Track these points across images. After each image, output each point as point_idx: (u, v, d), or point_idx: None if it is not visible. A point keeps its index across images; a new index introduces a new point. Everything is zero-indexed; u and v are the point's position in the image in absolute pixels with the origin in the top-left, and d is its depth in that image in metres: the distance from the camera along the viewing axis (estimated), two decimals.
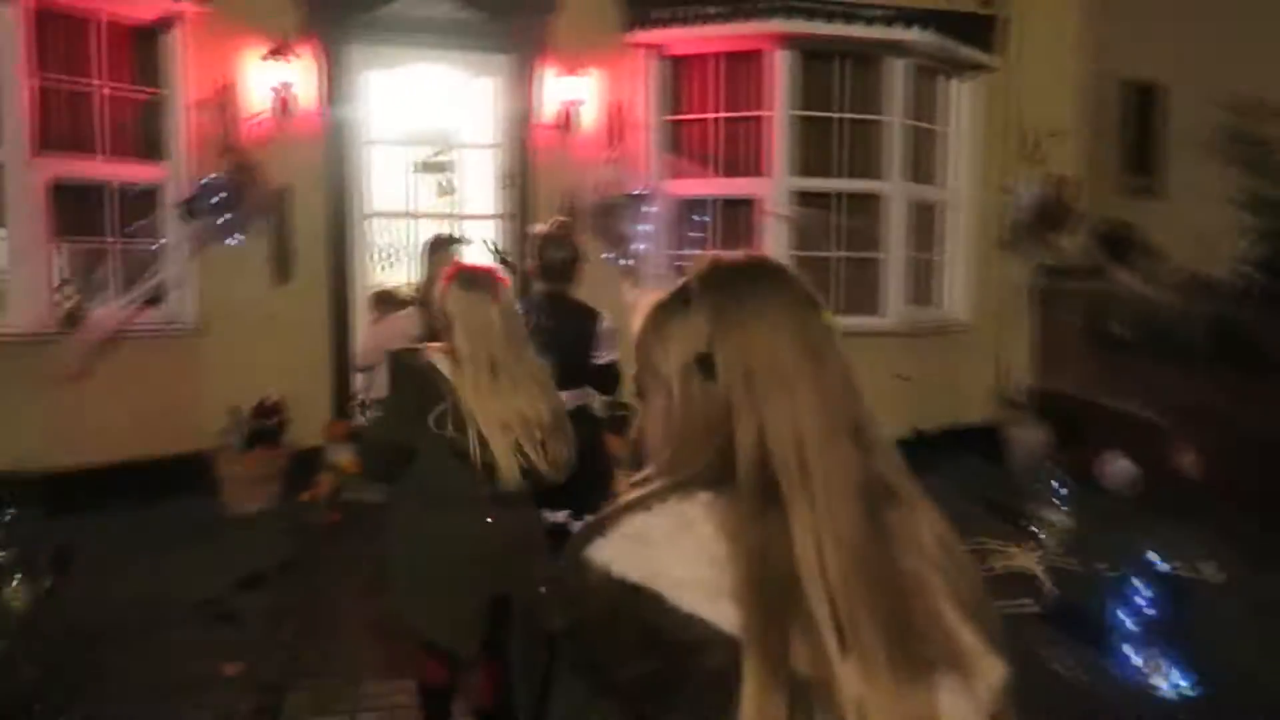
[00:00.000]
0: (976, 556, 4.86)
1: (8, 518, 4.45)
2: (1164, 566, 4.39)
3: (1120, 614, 3.91)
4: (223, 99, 5.91)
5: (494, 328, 2.64)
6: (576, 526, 2.68)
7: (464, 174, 6.80)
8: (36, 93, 5.48)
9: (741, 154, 6.66)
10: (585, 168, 6.46)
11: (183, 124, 5.95)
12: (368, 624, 4.06)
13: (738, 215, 6.70)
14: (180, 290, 6.01)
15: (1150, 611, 3.85)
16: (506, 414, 2.64)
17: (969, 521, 5.58)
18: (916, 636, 0.91)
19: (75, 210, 5.72)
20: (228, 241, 5.89)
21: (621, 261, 6.57)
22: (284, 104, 6.01)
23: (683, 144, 6.76)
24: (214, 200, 5.76)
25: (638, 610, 0.88)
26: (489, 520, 2.68)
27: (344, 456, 6.00)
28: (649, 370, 1.05)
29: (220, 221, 5.83)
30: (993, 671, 0.98)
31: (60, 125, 5.62)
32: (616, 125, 6.52)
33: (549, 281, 3.61)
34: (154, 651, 3.87)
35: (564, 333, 3.39)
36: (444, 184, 6.86)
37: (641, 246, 6.52)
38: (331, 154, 6.22)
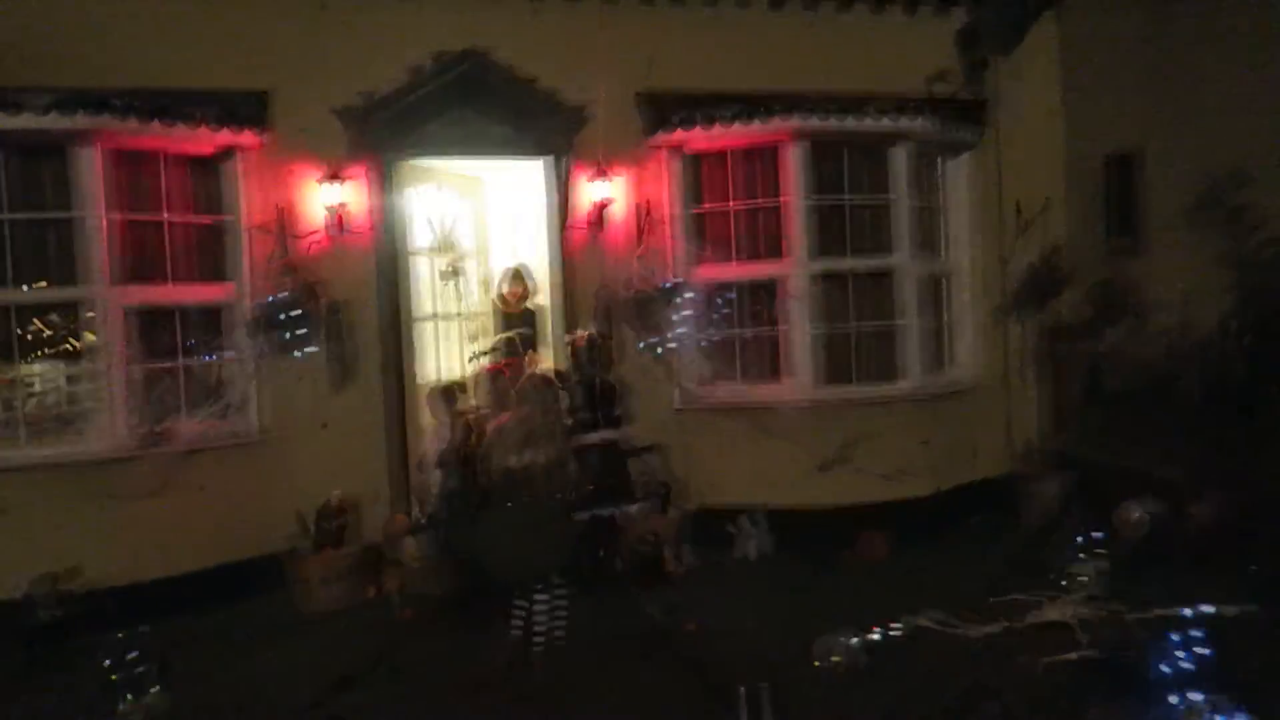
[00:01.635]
0: (1010, 610, 5.31)
1: (118, 635, 4.81)
2: (1194, 612, 4.90)
3: (1159, 662, 4.33)
4: (280, 221, 6.38)
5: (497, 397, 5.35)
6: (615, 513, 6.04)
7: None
8: (114, 227, 5.92)
9: (762, 240, 7.20)
10: (618, 263, 7.01)
11: (245, 246, 6.40)
12: None
13: (760, 297, 7.24)
14: (245, 403, 6.41)
15: (1188, 657, 4.30)
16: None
17: (997, 576, 6.00)
18: None
19: (148, 334, 6.12)
20: (294, 354, 6.33)
21: (657, 348, 7.08)
22: (338, 222, 6.50)
23: (706, 234, 7.30)
24: (278, 317, 6.20)
25: None
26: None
27: (408, 550, 6.37)
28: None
29: (284, 336, 6.26)
30: None
31: (134, 255, 6.05)
32: (644, 221, 7.06)
33: (585, 370, 6.09)
34: None
35: (594, 400, 5.99)
36: (459, 288, 7.53)
37: (675, 332, 7.04)
38: (382, 266, 6.69)
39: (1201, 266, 6.99)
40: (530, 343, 7.11)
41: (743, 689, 3.89)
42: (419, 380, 6.99)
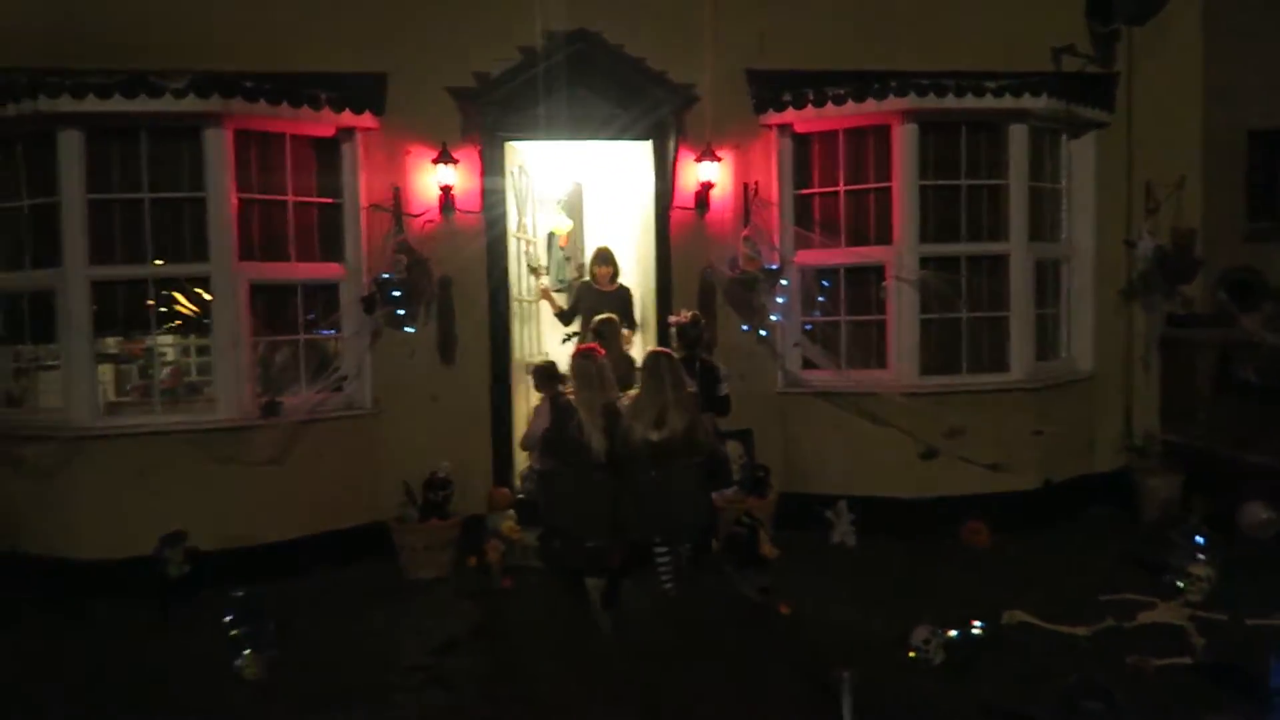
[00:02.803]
0: (1120, 609, 5.16)
1: (240, 594, 5.17)
2: None
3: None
4: (396, 200, 6.68)
5: (592, 377, 5.46)
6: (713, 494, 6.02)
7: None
8: (241, 206, 6.32)
9: (869, 224, 7.13)
10: (721, 244, 7.05)
11: (361, 225, 6.73)
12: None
13: (867, 282, 7.18)
14: (359, 376, 6.75)
15: None
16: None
17: (1107, 573, 5.86)
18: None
19: (271, 308, 6.51)
20: (406, 330, 6.63)
21: (760, 330, 7.10)
22: (450, 201, 6.75)
23: (814, 216, 7.27)
24: (392, 293, 6.49)
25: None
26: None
27: (507, 523, 6.61)
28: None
29: (397, 312, 6.56)
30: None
31: (259, 233, 6.44)
32: (751, 202, 7.07)
33: (687, 350, 6.19)
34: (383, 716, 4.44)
35: (696, 380, 5.96)
36: (537, 271, 7.85)
37: (776, 316, 7.06)
38: (491, 245, 6.91)
39: None
40: (630, 322, 7.22)
41: (845, 674, 3.95)
42: (520, 358, 7.22)
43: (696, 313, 6.48)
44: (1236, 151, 7.50)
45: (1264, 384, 6.92)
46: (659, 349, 5.78)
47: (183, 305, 6.38)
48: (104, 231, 6.13)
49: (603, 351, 5.76)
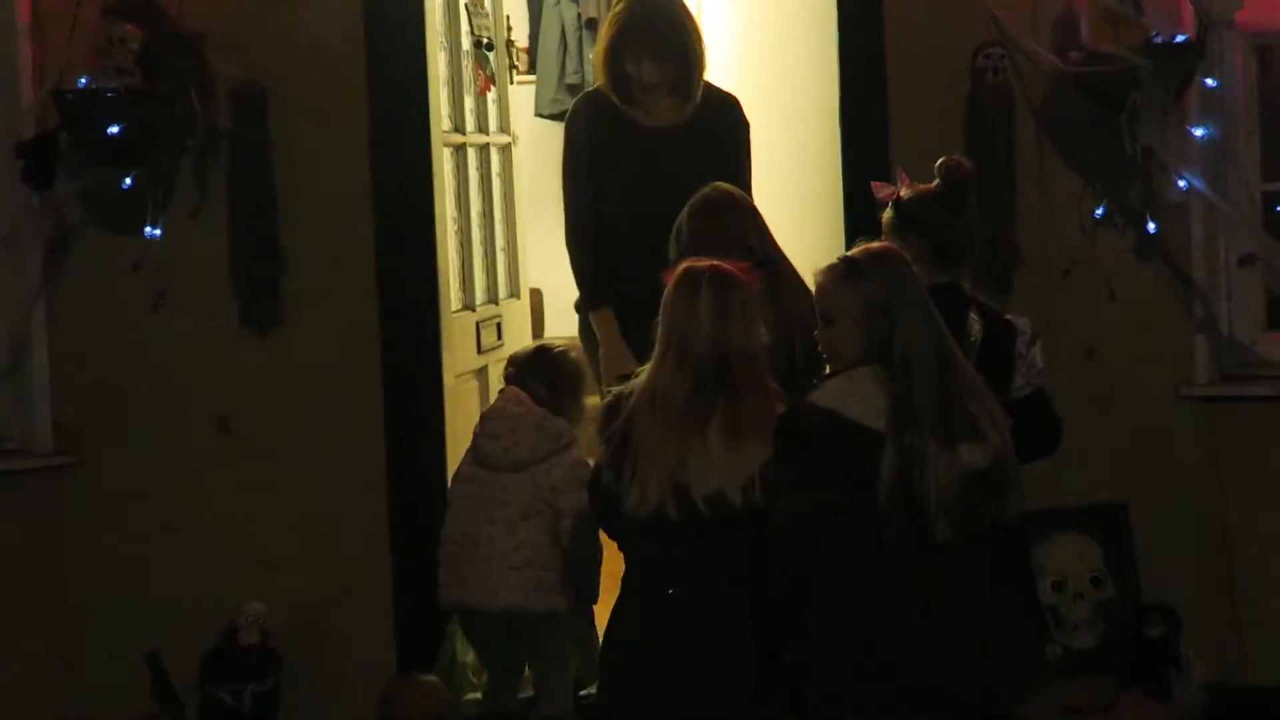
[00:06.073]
0: None
1: None
2: None
3: None
4: None
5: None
6: None
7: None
8: None
9: None
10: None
11: None
12: None
13: None
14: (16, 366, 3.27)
15: None
16: None
17: None
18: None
19: None
20: (148, 234, 3.23)
21: (1147, 222, 3.37)
22: None
23: None
24: (99, 128, 3.02)
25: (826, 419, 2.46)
26: None
27: None
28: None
29: (120, 184, 3.08)
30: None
31: None
32: None
33: (936, 269, 3.07)
34: None
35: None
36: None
37: (1186, 181, 3.46)
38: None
39: None
40: None
41: None
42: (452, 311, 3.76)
43: (952, 160, 3.19)
44: None
45: None
46: (879, 245, 2.86)
47: None
48: None
49: (752, 282, 3.00)
